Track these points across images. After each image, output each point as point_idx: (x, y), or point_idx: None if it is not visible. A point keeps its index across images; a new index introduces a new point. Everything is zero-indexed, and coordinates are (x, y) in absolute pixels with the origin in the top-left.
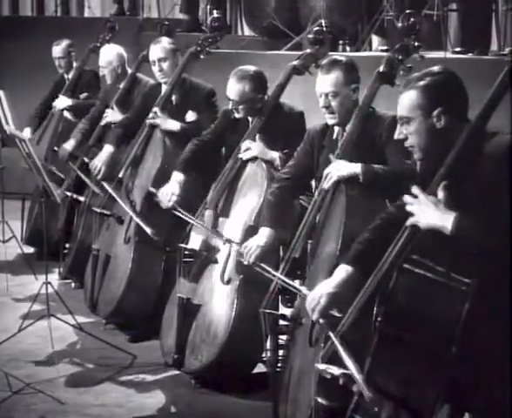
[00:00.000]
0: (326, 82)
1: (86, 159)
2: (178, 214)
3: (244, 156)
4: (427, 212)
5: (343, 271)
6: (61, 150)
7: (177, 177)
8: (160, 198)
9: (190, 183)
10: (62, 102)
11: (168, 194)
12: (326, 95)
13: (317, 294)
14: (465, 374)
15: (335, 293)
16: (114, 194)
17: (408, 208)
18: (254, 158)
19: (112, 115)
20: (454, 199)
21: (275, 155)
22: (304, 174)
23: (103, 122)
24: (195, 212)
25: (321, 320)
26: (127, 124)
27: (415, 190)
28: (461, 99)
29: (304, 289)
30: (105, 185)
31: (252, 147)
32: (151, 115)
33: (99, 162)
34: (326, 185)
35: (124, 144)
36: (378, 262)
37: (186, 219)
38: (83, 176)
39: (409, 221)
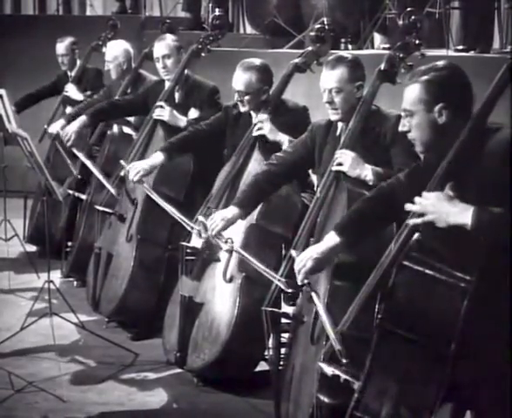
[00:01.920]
0: (330, 78)
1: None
2: (147, 192)
3: (255, 132)
4: (445, 210)
5: (331, 239)
6: (50, 128)
7: (155, 156)
8: (128, 169)
9: (191, 182)
10: (73, 92)
11: (138, 168)
12: (330, 91)
13: (304, 258)
14: (465, 371)
15: (321, 259)
16: (85, 160)
17: (420, 209)
18: (255, 157)
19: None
20: (458, 196)
21: (284, 138)
22: (295, 164)
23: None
24: (197, 209)
25: (305, 281)
26: (115, 104)
27: (424, 194)
28: (465, 96)
29: (293, 253)
30: (75, 151)
31: (264, 126)
32: (157, 110)
33: (70, 130)
34: (333, 168)
35: (99, 122)
36: (366, 234)
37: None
38: (68, 160)
39: (420, 221)
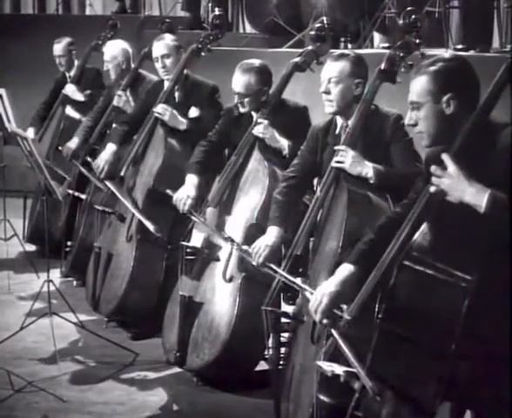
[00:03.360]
0: (331, 68)
1: (89, 159)
2: (194, 219)
3: (255, 132)
4: (461, 186)
5: (345, 270)
6: (65, 148)
7: (191, 179)
8: (175, 202)
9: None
10: (73, 92)
11: (183, 198)
12: (329, 80)
13: (319, 294)
14: (465, 370)
15: (337, 292)
16: (117, 193)
17: (436, 180)
18: (255, 156)
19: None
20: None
21: (285, 143)
22: (309, 171)
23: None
24: (197, 209)
25: (325, 321)
26: (130, 121)
27: (446, 159)
28: (472, 87)
29: (309, 290)
30: (109, 184)
31: (265, 132)
32: (159, 110)
33: (102, 161)
34: (333, 164)
35: (126, 143)
36: (378, 261)
37: (202, 223)
38: (87, 173)
39: (434, 189)
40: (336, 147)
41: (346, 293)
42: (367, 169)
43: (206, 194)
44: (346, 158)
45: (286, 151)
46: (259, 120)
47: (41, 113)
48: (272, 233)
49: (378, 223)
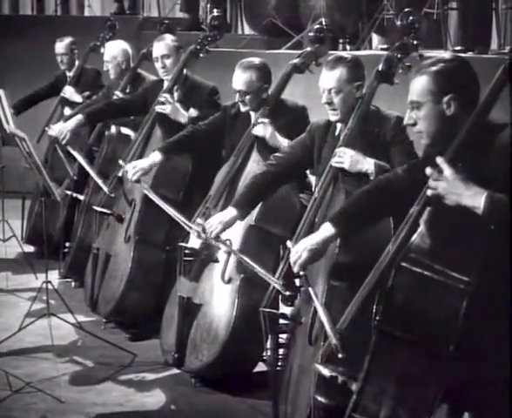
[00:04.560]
0: (329, 78)
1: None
2: (146, 192)
3: (255, 131)
4: (458, 190)
5: (326, 230)
6: (50, 130)
7: (154, 156)
8: (127, 168)
9: (190, 182)
10: (71, 94)
11: (136, 168)
12: (329, 91)
13: (300, 248)
14: (463, 372)
15: (316, 250)
16: (79, 157)
17: (433, 184)
18: (254, 157)
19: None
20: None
21: (284, 142)
22: (294, 164)
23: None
24: (196, 210)
25: (301, 272)
26: (112, 104)
27: (441, 163)
28: (473, 88)
29: (289, 244)
30: (71, 150)
31: (265, 130)
32: (160, 99)
33: (66, 128)
34: (333, 164)
35: (96, 122)
36: (361, 227)
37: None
38: (66, 162)
39: (430, 193)
40: (336, 149)
41: (324, 251)
42: (368, 165)
43: (204, 195)
44: (344, 159)
45: None
46: (260, 120)
47: (27, 98)
48: (228, 213)
49: (366, 187)
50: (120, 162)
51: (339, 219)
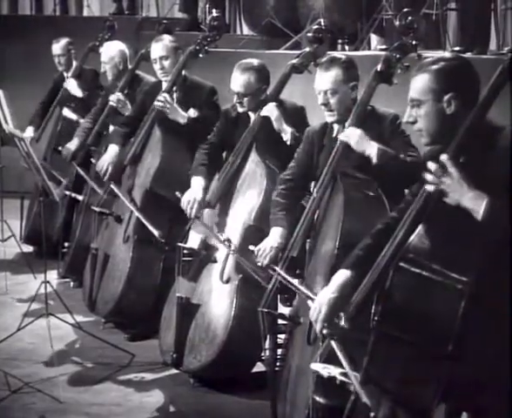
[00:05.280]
0: (324, 79)
1: (92, 160)
2: (199, 223)
3: (263, 112)
4: (461, 189)
5: (342, 275)
6: (64, 150)
7: (199, 182)
8: (183, 205)
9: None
10: (73, 87)
11: (191, 201)
12: (325, 92)
13: (318, 304)
14: (462, 372)
15: (335, 298)
16: (121, 195)
17: (436, 180)
18: (253, 158)
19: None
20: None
21: (288, 129)
22: (305, 174)
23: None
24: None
25: (325, 331)
26: (129, 122)
27: (446, 160)
28: (473, 87)
29: (309, 294)
30: (113, 186)
31: (272, 112)
32: (160, 98)
33: (105, 162)
34: (340, 137)
35: (127, 144)
36: (373, 264)
37: (205, 227)
38: (85, 175)
39: (434, 188)
40: (345, 127)
41: (343, 299)
42: (371, 149)
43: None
44: (352, 136)
45: (288, 137)
46: (268, 105)
47: (40, 113)
48: (276, 234)
49: (374, 228)
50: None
51: (354, 263)
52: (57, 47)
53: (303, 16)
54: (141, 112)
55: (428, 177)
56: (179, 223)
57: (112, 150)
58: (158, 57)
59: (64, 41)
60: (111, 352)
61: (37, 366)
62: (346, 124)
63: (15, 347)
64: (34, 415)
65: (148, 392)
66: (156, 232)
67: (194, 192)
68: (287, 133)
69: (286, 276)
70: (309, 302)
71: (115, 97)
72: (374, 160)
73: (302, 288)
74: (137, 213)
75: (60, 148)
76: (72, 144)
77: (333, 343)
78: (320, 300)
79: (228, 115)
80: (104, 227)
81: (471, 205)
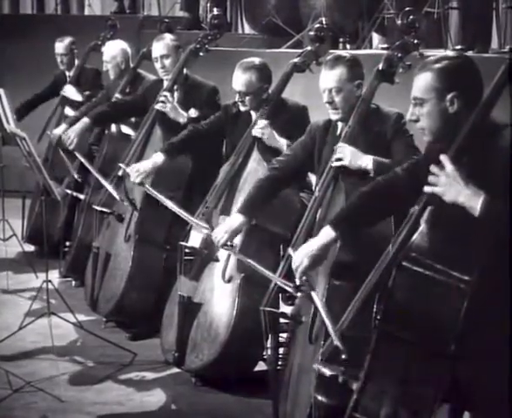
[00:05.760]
0: (329, 77)
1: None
2: (149, 192)
3: (254, 132)
4: (457, 187)
5: (327, 234)
6: (52, 134)
7: (156, 157)
8: (129, 171)
9: (190, 181)
10: (71, 93)
11: (140, 170)
12: (330, 90)
13: (300, 255)
14: (464, 371)
15: (318, 256)
16: (86, 163)
17: (433, 179)
18: (254, 157)
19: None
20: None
21: (283, 143)
22: (297, 167)
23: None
24: (196, 209)
25: (304, 278)
26: (116, 105)
27: (445, 159)
28: (476, 86)
29: (290, 251)
30: (78, 154)
31: (264, 132)
32: (160, 98)
33: (73, 132)
34: (333, 164)
35: (101, 125)
36: (362, 228)
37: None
38: (69, 164)
39: (430, 189)
40: (335, 146)
41: (325, 256)
42: (367, 161)
43: (204, 194)
44: (345, 155)
45: (284, 150)
46: (259, 121)
47: (29, 102)
48: (234, 219)
49: (364, 188)
50: (121, 165)
51: (339, 222)
52: (60, 46)
53: (304, 15)
54: (134, 105)
55: (429, 178)
56: (180, 223)
57: (84, 121)
58: (159, 55)
59: (67, 40)
60: (113, 351)
61: (39, 365)
62: (349, 123)
63: (16, 346)
64: (35, 414)
65: (150, 391)
66: (117, 196)
67: (146, 162)
68: (283, 146)
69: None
70: (290, 251)
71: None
72: (372, 173)
73: (262, 268)
74: (100, 179)
75: (48, 132)
76: (59, 130)
77: (313, 293)
78: (304, 253)
79: (228, 111)
80: (105, 226)
81: (468, 202)
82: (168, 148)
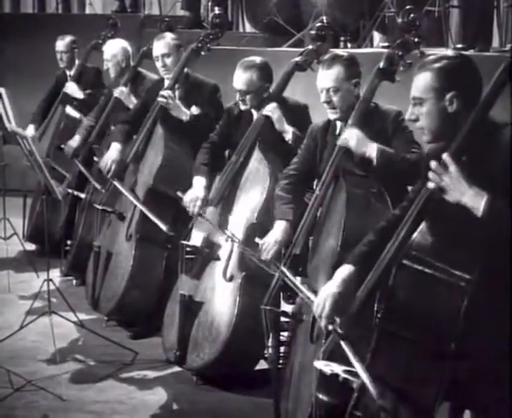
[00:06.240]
0: (327, 77)
1: (95, 159)
2: (202, 220)
3: (265, 112)
4: (460, 187)
5: (345, 270)
6: (66, 147)
7: (200, 181)
8: (185, 204)
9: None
10: (73, 90)
11: (193, 199)
12: (328, 90)
13: (321, 299)
14: (464, 370)
15: (339, 294)
16: (126, 192)
17: (436, 178)
18: (256, 156)
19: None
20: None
21: (289, 129)
22: (308, 170)
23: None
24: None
25: (330, 327)
26: (132, 120)
27: (448, 159)
28: (475, 85)
29: (308, 294)
30: (117, 183)
31: (273, 113)
32: (164, 94)
33: (109, 160)
34: (339, 142)
35: (129, 141)
36: (376, 260)
37: (211, 224)
38: (86, 173)
39: (434, 187)
40: (344, 130)
41: (346, 294)
42: (371, 149)
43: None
44: (351, 137)
45: (289, 136)
46: (270, 105)
47: (41, 110)
48: (280, 228)
49: (378, 225)
50: (179, 193)
51: (357, 259)
52: (61, 44)
53: (305, 14)
54: (143, 110)
55: (430, 175)
56: (182, 220)
57: (115, 147)
58: (160, 54)
59: (68, 38)
60: (114, 350)
61: (40, 364)
62: (349, 122)
63: (17, 345)
64: (37, 413)
65: (151, 390)
66: (164, 227)
67: (196, 190)
68: (289, 133)
69: (289, 275)
70: (312, 298)
71: (118, 90)
72: (375, 161)
73: (303, 288)
74: (143, 209)
75: (62, 146)
76: (74, 141)
77: (341, 342)
78: (324, 295)
79: (231, 113)
80: (106, 225)
81: (471, 202)
82: (206, 171)
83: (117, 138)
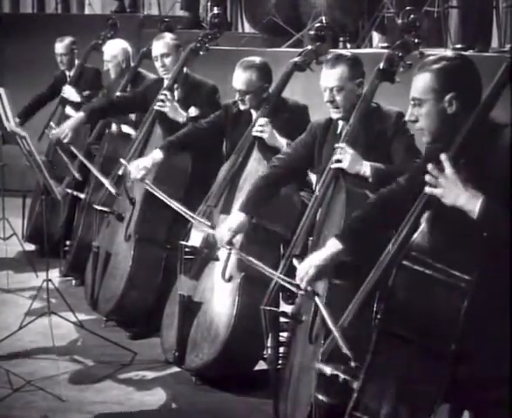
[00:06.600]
0: (330, 76)
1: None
2: (150, 189)
3: (255, 132)
4: (456, 190)
5: (333, 246)
6: (51, 134)
7: (155, 154)
8: (130, 168)
9: (190, 180)
10: (70, 93)
11: (139, 166)
12: (331, 89)
13: (307, 265)
14: (464, 371)
15: (323, 266)
16: (84, 160)
17: (432, 181)
18: (255, 156)
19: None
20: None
21: (283, 142)
22: (297, 165)
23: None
24: (196, 208)
25: (309, 288)
26: (113, 101)
27: (445, 160)
28: (475, 86)
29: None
30: (73, 149)
31: (264, 130)
32: (160, 97)
33: (67, 127)
34: (332, 165)
35: (97, 120)
36: (368, 240)
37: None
38: (69, 162)
39: (430, 191)
40: (336, 145)
41: (331, 268)
42: (365, 168)
43: (205, 193)
44: (344, 157)
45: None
46: (259, 121)
47: (29, 106)
48: (236, 218)
49: (369, 201)
50: (122, 160)
51: (345, 235)
52: (60, 46)
53: (305, 14)
54: (132, 101)
55: (426, 177)
56: (180, 222)
57: (78, 116)
58: (159, 54)
59: (67, 40)
60: (113, 350)
61: (39, 364)
62: (350, 122)
63: (17, 346)
64: (36, 413)
65: (150, 390)
66: (112, 189)
67: (145, 159)
68: (283, 146)
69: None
70: (295, 262)
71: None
72: (370, 179)
73: (263, 266)
74: (94, 171)
75: (46, 131)
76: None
77: (316, 299)
78: (310, 263)
79: (229, 110)
80: (105, 225)
81: (466, 205)
82: (166, 145)
83: (85, 109)
